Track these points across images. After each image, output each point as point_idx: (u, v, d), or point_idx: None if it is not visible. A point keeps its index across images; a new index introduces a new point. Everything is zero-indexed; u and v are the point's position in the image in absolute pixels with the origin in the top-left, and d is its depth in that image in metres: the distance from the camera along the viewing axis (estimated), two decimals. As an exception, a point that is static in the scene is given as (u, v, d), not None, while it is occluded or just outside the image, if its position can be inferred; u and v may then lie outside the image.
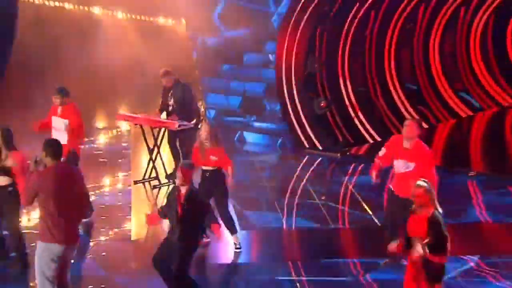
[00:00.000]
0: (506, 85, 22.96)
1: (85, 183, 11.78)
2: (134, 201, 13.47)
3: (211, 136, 10.71)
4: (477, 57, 22.76)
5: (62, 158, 9.41)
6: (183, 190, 8.67)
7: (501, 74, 23.33)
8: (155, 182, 13.85)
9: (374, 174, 10.09)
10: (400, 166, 9.80)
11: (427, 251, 7.74)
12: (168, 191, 10.57)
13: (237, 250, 10.72)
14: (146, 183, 14.01)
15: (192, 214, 8.63)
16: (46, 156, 7.86)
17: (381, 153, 10.20)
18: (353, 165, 16.35)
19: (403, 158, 9.77)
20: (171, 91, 13.74)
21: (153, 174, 13.96)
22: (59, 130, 11.45)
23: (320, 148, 17.14)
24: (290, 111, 17.40)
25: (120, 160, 16.46)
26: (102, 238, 11.67)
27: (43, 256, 7.80)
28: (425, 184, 8.03)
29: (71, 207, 7.89)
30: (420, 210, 7.98)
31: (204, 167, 10.66)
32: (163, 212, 9.04)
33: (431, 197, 7.92)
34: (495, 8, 21.95)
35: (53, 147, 8.03)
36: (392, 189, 9.95)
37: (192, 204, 8.63)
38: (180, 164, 9.82)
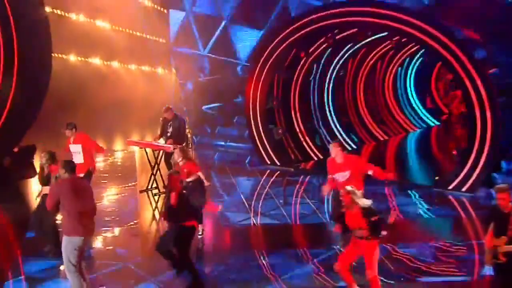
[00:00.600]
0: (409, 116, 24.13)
1: (105, 190, 12.53)
2: (140, 203, 13.52)
3: (182, 156, 10.68)
4: (390, 96, 23.62)
5: (81, 174, 10.28)
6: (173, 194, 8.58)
7: (406, 108, 24.59)
8: (156, 191, 13.82)
9: (325, 191, 10.11)
10: (339, 177, 9.77)
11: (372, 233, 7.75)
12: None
13: (200, 236, 10.54)
14: (149, 192, 13.98)
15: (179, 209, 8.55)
16: (64, 172, 7.91)
17: (329, 178, 10.08)
18: (302, 176, 16.26)
19: (339, 171, 9.81)
20: (171, 122, 13.74)
21: (154, 185, 13.97)
22: (76, 153, 11.31)
23: (278, 163, 17.09)
24: (256, 136, 17.30)
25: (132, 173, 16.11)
26: (116, 230, 11.60)
27: (67, 247, 7.78)
28: (349, 188, 8.07)
29: (84, 207, 7.86)
30: (348, 207, 8.00)
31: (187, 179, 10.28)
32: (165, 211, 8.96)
33: (353, 198, 7.90)
34: (401, 62, 23.26)
35: (69, 165, 8.06)
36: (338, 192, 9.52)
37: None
38: (168, 172, 10.00)
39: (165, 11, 20.59)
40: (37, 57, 15.08)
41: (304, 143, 18.18)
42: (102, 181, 15.29)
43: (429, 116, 25.69)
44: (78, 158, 11.09)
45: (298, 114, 18.14)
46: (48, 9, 15.87)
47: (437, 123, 25.59)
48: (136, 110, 18.97)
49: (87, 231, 7.88)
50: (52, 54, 15.79)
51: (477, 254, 10.24)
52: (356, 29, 16.86)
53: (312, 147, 18.00)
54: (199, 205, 9.73)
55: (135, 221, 12.32)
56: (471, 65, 14.01)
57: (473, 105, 14.12)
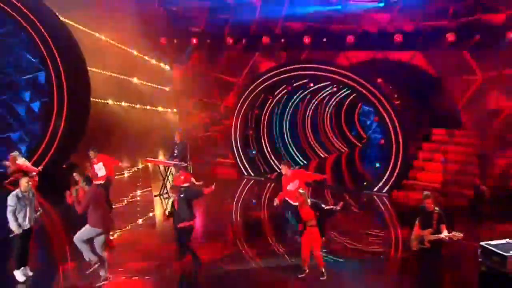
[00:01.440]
0: (342, 141, 23.78)
1: (127, 195, 12.53)
2: (155, 204, 13.07)
3: (180, 170, 10.90)
4: (328, 126, 23.19)
5: (101, 181, 10.40)
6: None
7: (340, 134, 24.19)
8: (166, 195, 13.41)
9: (276, 202, 9.56)
10: (291, 187, 9.53)
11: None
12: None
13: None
14: (161, 196, 13.68)
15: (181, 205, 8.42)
16: (85, 185, 7.94)
17: (280, 194, 9.66)
18: (269, 183, 16.02)
19: (290, 182, 9.59)
20: (178, 144, 13.34)
21: (165, 191, 13.61)
22: (100, 169, 11.11)
23: (252, 174, 16.81)
24: (236, 155, 17.03)
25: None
26: (137, 225, 11.19)
27: (86, 230, 7.69)
28: (301, 191, 7.96)
29: (103, 207, 7.89)
30: (302, 205, 7.87)
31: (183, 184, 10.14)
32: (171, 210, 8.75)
33: (305, 198, 7.82)
34: (336, 104, 23.05)
35: (88, 179, 8.09)
36: (288, 200, 9.51)
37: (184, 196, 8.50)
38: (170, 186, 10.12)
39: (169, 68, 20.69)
40: (81, 100, 15.11)
41: (270, 160, 18.03)
42: (127, 187, 14.94)
43: (354, 140, 25.56)
44: (101, 172, 11.05)
45: (266, 139, 18.05)
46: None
47: (360, 145, 25.36)
48: (150, 138, 18.80)
49: (105, 225, 7.82)
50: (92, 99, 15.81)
51: (397, 238, 10.24)
52: (306, 80, 17.07)
53: (276, 162, 17.72)
54: (195, 197, 8.95)
55: (150, 215, 12.03)
56: (386, 102, 14.46)
57: (389, 131, 14.42)
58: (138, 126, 18.53)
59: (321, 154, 21.39)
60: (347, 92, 20.90)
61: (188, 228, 8.43)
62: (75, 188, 8.36)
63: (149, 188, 14.64)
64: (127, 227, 11.06)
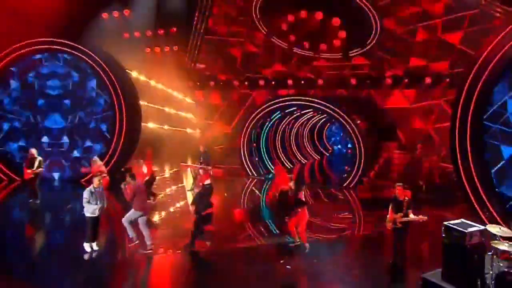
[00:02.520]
0: (315, 151, 22.70)
1: (169, 187, 12.25)
2: (187, 197, 12.25)
3: (202, 170, 10.44)
4: (306, 141, 22.22)
5: (147, 178, 10.01)
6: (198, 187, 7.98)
7: (313, 146, 23.25)
8: (194, 191, 12.22)
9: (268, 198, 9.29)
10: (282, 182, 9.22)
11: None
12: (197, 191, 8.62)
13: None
14: (191, 191, 12.79)
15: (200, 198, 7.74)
16: (131, 180, 7.89)
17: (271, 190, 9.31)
18: (267, 182, 15.08)
19: (283, 179, 9.29)
20: (203, 154, 13.11)
21: (194, 187, 12.61)
22: (145, 171, 10.55)
23: (255, 175, 15.93)
24: (244, 162, 16.06)
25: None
26: (173, 211, 10.65)
27: (131, 213, 7.46)
28: (291, 184, 7.90)
29: (144, 196, 7.64)
30: (293, 192, 7.77)
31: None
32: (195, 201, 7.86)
33: (293, 189, 7.66)
34: (312, 125, 21.94)
35: (133, 176, 8.02)
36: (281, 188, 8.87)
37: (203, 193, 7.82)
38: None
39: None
40: (134, 125, 14.48)
41: (267, 164, 17.24)
42: (167, 183, 14.38)
43: (323, 150, 24.91)
44: (145, 172, 10.58)
45: (263, 150, 17.34)
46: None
47: (327, 154, 24.75)
48: (181, 150, 18.00)
49: (145, 209, 7.62)
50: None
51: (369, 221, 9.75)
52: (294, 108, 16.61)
53: (272, 166, 17.00)
54: (210, 193, 8.07)
55: (182, 203, 11.40)
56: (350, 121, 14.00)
57: (355, 142, 14.07)
58: (173, 142, 18.27)
59: (302, 160, 20.79)
60: (320, 117, 20.48)
61: (209, 214, 7.92)
62: (124, 183, 8.32)
63: (183, 185, 14.18)
64: (165, 212, 10.58)
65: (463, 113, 9.16)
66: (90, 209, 7.48)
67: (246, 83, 18.22)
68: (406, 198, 6.78)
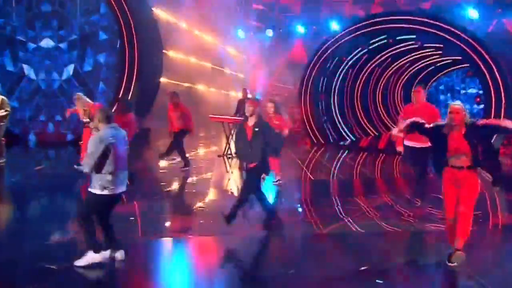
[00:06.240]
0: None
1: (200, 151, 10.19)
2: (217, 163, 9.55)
3: (275, 109, 6.77)
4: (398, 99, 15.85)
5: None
6: (251, 121, 4.90)
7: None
8: (230, 155, 9.64)
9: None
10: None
11: None
12: (235, 131, 6.31)
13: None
14: (225, 156, 9.86)
15: (262, 136, 4.87)
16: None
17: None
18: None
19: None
20: (242, 101, 10.33)
21: (228, 152, 9.75)
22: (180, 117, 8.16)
23: (322, 141, 11.79)
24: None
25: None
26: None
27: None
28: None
29: None
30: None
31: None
32: (236, 146, 5.36)
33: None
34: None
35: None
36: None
37: (260, 127, 4.89)
38: (246, 99, 6.86)
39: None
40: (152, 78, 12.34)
41: (341, 130, 12.64)
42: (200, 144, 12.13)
43: None
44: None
45: (336, 110, 12.49)
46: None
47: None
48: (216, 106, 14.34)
49: None
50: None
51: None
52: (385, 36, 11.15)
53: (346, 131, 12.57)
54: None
55: (212, 172, 9.10)
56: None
57: None
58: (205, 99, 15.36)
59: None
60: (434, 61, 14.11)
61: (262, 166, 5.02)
62: None
63: (215, 148, 11.65)
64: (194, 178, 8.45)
65: None
66: (102, 181, 4.06)
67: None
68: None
